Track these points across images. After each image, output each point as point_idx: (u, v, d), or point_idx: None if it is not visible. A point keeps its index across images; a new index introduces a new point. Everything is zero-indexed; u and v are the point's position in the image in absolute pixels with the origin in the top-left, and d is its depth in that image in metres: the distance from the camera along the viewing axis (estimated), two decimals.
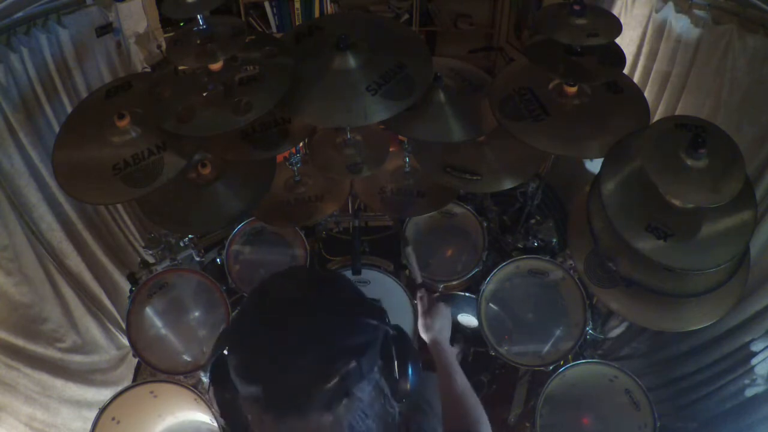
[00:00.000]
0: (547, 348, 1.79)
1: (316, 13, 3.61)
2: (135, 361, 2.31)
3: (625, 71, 1.66)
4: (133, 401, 1.64)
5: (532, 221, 2.10)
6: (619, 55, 1.54)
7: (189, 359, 1.83)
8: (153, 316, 1.86)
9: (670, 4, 1.86)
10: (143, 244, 2.13)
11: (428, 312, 1.25)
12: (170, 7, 1.33)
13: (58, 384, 1.99)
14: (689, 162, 1.24)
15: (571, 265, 1.77)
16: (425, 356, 1.19)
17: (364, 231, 2.12)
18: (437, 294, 1.52)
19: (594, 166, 2.06)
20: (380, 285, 1.84)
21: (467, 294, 1.93)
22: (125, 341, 2.22)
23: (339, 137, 1.82)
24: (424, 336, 1.23)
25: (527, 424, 1.82)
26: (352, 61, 1.45)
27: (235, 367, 0.65)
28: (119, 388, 1.63)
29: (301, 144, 1.91)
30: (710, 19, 1.72)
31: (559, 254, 1.94)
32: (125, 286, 2.15)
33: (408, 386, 0.72)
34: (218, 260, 2.05)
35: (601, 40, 1.42)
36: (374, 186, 1.94)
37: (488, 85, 1.71)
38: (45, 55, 1.75)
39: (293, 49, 1.49)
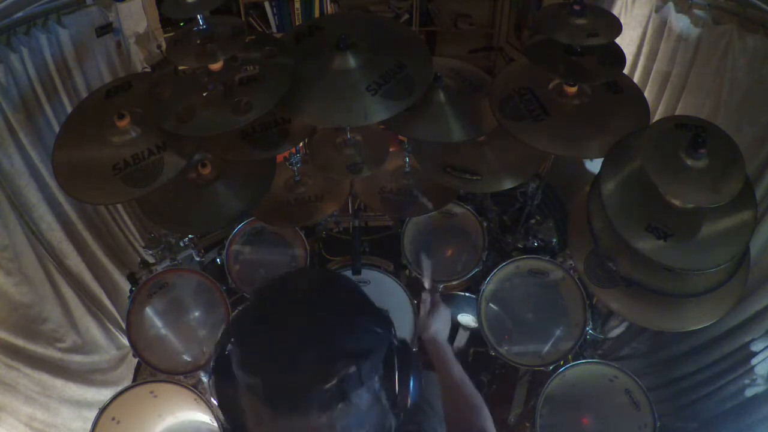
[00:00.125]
0: (547, 348, 1.79)
1: (316, 13, 3.60)
2: (135, 361, 2.31)
3: (625, 71, 1.66)
4: (133, 401, 1.64)
5: (532, 221, 2.10)
6: (619, 55, 1.54)
7: (189, 359, 1.82)
8: (153, 316, 1.85)
9: (670, 4, 1.86)
10: (143, 244, 2.13)
11: (431, 313, 1.28)
12: (170, 7, 1.33)
13: (58, 384, 1.99)
14: (689, 162, 1.24)
15: (571, 265, 1.77)
16: (424, 357, 1.21)
17: (364, 231, 2.12)
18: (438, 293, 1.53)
19: (594, 166, 2.06)
20: (380, 285, 1.84)
21: (467, 294, 1.94)
22: (125, 341, 2.22)
23: (339, 137, 1.82)
24: (423, 335, 1.24)
25: (527, 424, 1.82)
26: (352, 61, 1.45)
27: (239, 360, 0.65)
28: (119, 388, 1.62)
29: (301, 144, 1.91)
30: (710, 19, 1.72)
31: (559, 254, 1.94)
32: (125, 286, 2.15)
33: (407, 401, 0.71)
34: (218, 260, 2.05)
35: (601, 40, 1.42)
36: (374, 186, 1.94)
37: (488, 85, 1.71)
38: (45, 55, 1.75)
39: (293, 49, 1.49)
